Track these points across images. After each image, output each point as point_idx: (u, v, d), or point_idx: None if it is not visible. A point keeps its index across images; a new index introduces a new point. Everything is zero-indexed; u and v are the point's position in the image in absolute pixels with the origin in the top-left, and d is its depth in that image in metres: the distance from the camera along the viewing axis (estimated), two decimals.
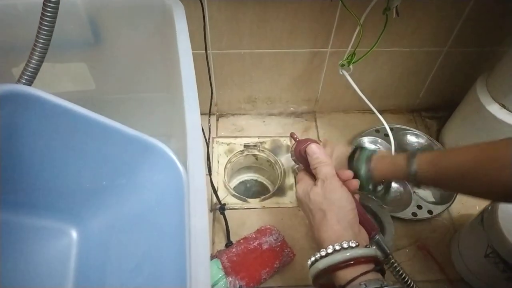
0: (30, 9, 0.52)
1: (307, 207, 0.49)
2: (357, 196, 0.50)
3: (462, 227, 0.68)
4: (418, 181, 0.49)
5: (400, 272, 0.48)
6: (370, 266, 0.42)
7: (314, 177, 0.52)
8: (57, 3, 0.42)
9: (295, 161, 0.56)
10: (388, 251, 0.48)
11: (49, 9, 0.42)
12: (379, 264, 0.43)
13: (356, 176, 0.53)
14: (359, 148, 0.56)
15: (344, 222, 0.45)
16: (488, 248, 0.58)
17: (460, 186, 0.47)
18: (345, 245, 0.42)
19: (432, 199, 0.77)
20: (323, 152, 0.52)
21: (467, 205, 0.76)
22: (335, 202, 0.46)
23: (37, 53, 0.44)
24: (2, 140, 0.42)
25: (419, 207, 0.75)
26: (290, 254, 0.65)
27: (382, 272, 0.43)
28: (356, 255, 0.41)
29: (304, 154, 0.53)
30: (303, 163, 0.54)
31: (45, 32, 0.43)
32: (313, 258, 0.44)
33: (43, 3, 0.42)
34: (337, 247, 0.42)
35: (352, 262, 0.41)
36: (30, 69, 0.44)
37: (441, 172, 0.48)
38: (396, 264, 0.48)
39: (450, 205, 0.75)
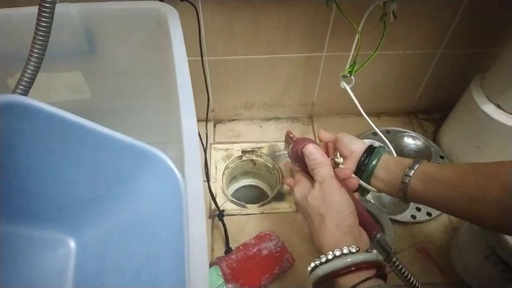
0: (24, 19, 0.52)
1: (305, 211, 0.48)
2: (356, 195, 0.49)
3: (461, 229, 0.68)
4: (411, 183, 0.50)
5: (403, 271, 0.47)
6: (372, 272, 0.41)
7: (311, 178, 0.50)
8: (52, 12, 0.42)
9: (292, 162, 0.54)
10: (390, 250, 0.47)
11: (44, 19, 0.42)
12: (381, 269, 0.42)
13: (359, 172, 0.54)
14: (374, 146, 0.56)
15: (343, 227, 0.44)
16: (487, 249, 0.58)
17: (449, 199, 0.48)
18: (345, 251, 0.41)
19: None
20: (320, 152, 0.50)
21: None
22: (334, 206, 0.45)
23: (32, 63, 0.44)
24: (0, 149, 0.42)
25: (418, 209, 0.75)
26: (290, 260, 0.65)
27: (384, 278, 0.42)
28: (357, 261, 0.40)
29: (301, 155, 0.51)
30: (300, 164, 0.52)
31: (40, 42, 0.43)
32: (313, 264, 0.43)
33: (38, 13, 0.42)
34: (337, 253, 0.41)
35: (353, 268, 0.40)
36: (25, 79, 0.44)
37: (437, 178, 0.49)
38: (398, 263, 0.47)
39: None
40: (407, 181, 0.50)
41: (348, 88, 0.70)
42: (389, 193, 0.54)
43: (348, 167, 0.55)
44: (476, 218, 0.46)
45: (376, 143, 0.81)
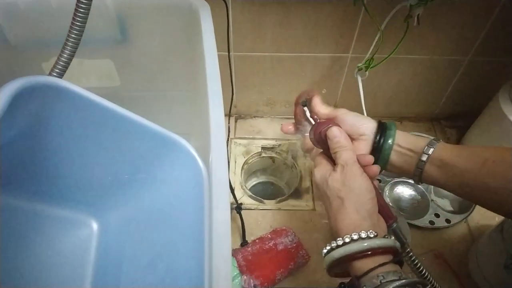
0: (62, 5, 0.54)
1: (325, 194, 0.47)
2: (376, 183, 0.48)
3: (481, 237, 0.68)
4: (426, 168, 0.48)
5: (416, 262, 0.46)
6: (388, 257, 0.40)
7: (333, 161, 0.49)
8: (90, 1, 0.44)
9: (313, 143, 0.52)
10: (405, 240, 0.46)
11: (82, 7, 0.44)
12: (398, 256, 0.41)
13: (376, 153, 0.51)
14: (384, 122, 0.53)
15: (362, 211, 0.43)
16: (508, 259, 0.57)
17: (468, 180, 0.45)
18: (363, 235, 0.40)
19: (451, 208, 0.76)
20: (344, 135, 0.48)
21: (486, 215, 0.75)
22: (355, 190, 0.44)
23: (68, 48, 0.46)
24: (32, 129, 0.44)
25: (437, 215, 0.74)
26: (305, 256, 0.65)
27: (400, 264, 0.41)
28: (374, 246, 0.40)
29: (324, 137, 0.49)
30: (323, 146, 0.50)
31: (77, 28, 0.45)
32: (328, 247, 0.42)
33: (77, 1, 0.43)
34: (355, 237, 0.40)
35: (369, 253, 0.39)
36: (61, 63, 0.46)
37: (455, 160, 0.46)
38: (412, 254, 0.46)
39: (468, 214, 0.74)
40: (421, 167, 0.48)
41: (359, 80, 0.71)
42: (402, 175, 0.52)
43: (360, 152, 0.52)
44: (496, 207, 0.45)
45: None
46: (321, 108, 0.54)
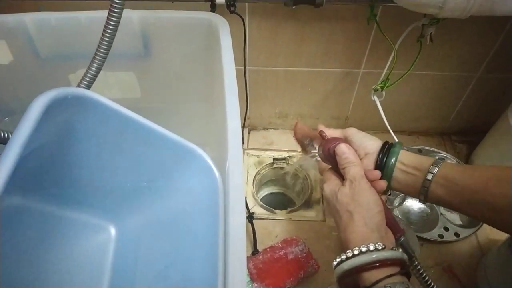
0: (90, 22, 0.58)
1: (334, 208, 0.49)
2: (384, 198, 0.49)
3: (490, 252, 0.68)
4: (431, 187, 0.49)
5: (424, 275, 0.48)
6: (396, 269, 0.42)
7: (342, 176, 0.51)
8: (119, 17, 0.47)
9: (322, 159, 0.55)
10: (413, 254, 0.48)
11: (112, 22, 0.47)
12: (405, 268, 0.43)
13: (381, 170, 0.52)
14: (390, 143, 0.54)
15: (371, 224, 0.45)
16: None
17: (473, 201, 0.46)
18: (371, 247, 0.42)
19: (460, 222, 0.77)
20: (352, 152, 0.50)
21: (495, 230, 0.74)
22: (363, 204, 0.46)
23: (97, 61, 0.49)
24: (59, 137, 0.46)
25: (446, 229, 0.75)
26: (314, 266, 0.66)
27: (408, 276, 0.43)
28: (382, 257, 0.41)
29: (332, 153, 0.52)
30: (331, 162, 0.53)
31: (106, 43, 0.48)
32: (338, 259, 0.44)
33: (107, 17, 0.47)
34: (363, 249, 0.42)
35: (378, 264, 0.41)
36: (89, 75, 0.49)
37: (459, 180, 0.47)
38: (420, 267, 0.48)
39: (478, 228, 0.74)
40: (427, 185, 0.49)
41: (378, 101, 0.72)
42: (407, 194, 0.53)
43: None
44: (499, 226, 0.46)
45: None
46: (328, 132, 0.56)
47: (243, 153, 0.90)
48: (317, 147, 0.56)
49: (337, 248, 0.73)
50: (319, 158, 0.56)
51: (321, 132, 0.55)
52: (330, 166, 0.54)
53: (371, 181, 0.49)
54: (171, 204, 0.58)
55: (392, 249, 0.43)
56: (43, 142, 0.43)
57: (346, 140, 0.54)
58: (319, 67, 0.80)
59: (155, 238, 0.59)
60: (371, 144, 0.54)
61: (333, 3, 0.64)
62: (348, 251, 0.44)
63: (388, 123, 0.74)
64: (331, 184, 0.51)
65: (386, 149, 0.53)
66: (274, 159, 0.89)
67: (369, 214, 0.45)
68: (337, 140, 0.52)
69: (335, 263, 0.45)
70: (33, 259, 0.51)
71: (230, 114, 0.45)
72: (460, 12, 0.53)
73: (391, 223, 0.48)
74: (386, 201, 0.51)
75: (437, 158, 0.51)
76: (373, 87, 0.72)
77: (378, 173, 0.50)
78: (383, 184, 0.50)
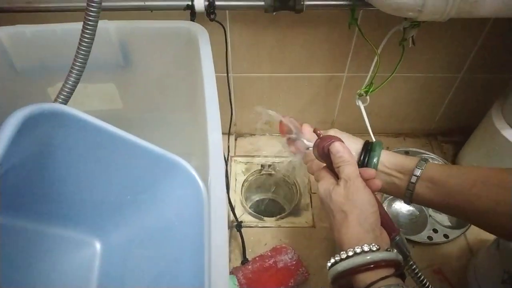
0: (66, 33, 0.57)
1: (328, 207, 0.48)
2: (378, 196, 0.48)
3: (479, 252, 0.68)
4: (416, 189, 0.49)
5: (419, 275, 0.47)
6: (391, 270, 0.41)
7: (336, 175, 0.49)
8: (94, 28, 0.46)
9: (316, 157, 0.53)
10: (408, 253, 0.47)
11: (87, 35, 0.46)
12: (400, 269, 0.42)
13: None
14: (370, 142, 0.54)
15: (365, 225, 0.43)
16: (505, 274, 0.58)
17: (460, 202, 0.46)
18: (365, 248, 0.41)
19: (449, 223, 0.77)
20: (347, 151, 0.49)
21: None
22: (358, 204, 0.44)
23: (74, 74, 0.48)
24: (37, 153, 0.45)
25: (435, 230, 0.75)
26: (304, 274, 0.66)
27: (403, 277, 0.42)
28: (377, 259, 0.40)
29: (327, 152, 0.50)
30: (326, 160, 0.51)
31: (82, 55, 0.47)
32: (332, 260, 0.43)
33: (82, 29, 0.46)
34: (358, 250, 0.41)
35: (372, 266, 0.40)
36: (66, 89, 0.48)
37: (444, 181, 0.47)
38: (415, 266, 0.47)
39: (466, 229, 0.75)
40: (411, 188, 0.49)
41: (362, 106, 0.72)
42: (390, 195, 0.53)
43: None
44: (487, 228, 0.46)
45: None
46: (313, 135, 0.55)
47: (230, 160, 0.89)
48: (304, 140, 0.55)
49: (327, 253, 0.72)
50: (310, 149, 0.54)
51: (315, 130, 0.54)
52: (322, 164, 0.53)
53: (366, 180, 0.48)
54: (157, 217, 0.57)
55: (387, 250, 0.42)
56: (21, 159, 0.42)
57: (340, 139, 0.53)
58: (303, 72, 0.79)
59: (142, 251, 0.58)
60: (352, 145, 0.53)
61: (314, 8, 0.64)
62: (342, 252, 0.42)
63: (374, 125, 0.74)
64: (325, 183, 0.49)
65: (367, 151, 0.53)
66: (262, 165, 0.88)
67: (364, 214, 0.44)
68: (331, 138, 0.51)
69: (329, 264, 0.44)
70: (16, 276, 0.50)
71: (211, 125, 0.45)
72: (439, 15, 0.53)
73: (386, 222, 0.47)
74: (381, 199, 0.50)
75: (420, 159, 0.50)
76: (357, 92, 0.72)
77: (373, 172, 0.49)
78: (378, 183, 0.48)
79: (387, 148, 0.90)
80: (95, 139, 0.47)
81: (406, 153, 0.90)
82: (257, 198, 0.91)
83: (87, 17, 0.45)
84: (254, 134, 0.96)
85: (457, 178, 0.47)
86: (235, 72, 0.79)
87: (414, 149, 0.90)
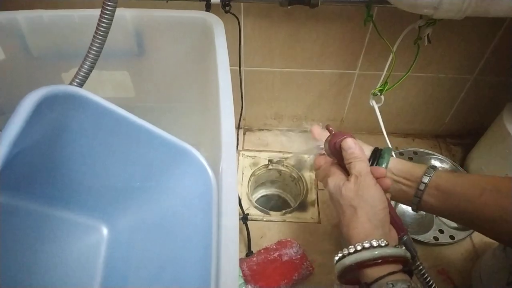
0: (84, 20, 0.57)
1: (338, 202, 0.48)
2: (388, 195, 0.48)
3: (485, 255, 0.68)
4: (423, 197, 0.49)
5: (425, 276, 0.47)
6: (398, 266, 0.41)
7: (347, 171, 0.50)
8: (112, 15, 0.46)
9: (327, 154, 0.54)
10: (415, 253, 0.47)
11: (105, 21, 0.46)
12: (408, 265, 0.42)
13: None
14: (380, 148, 0.55)
15: (374, 221, 0.44)
16: (510, 276, 0.57)
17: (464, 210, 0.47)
18: (374, 243, 0.41)
19: (455, 225, 0.77)
20: (358, 147, 0.49)
21: None
22: (368, 200, 0.45)
23: (89, 60, 0.48)
24: (49, 136, 0.46)
25: (441, 231, 0.75)
26: (309, 268, 0.66)
27: (410, 274, 0.42)
28: (385, 254, 0.41)
29: (338, 148, 0.51)
30: (337, 156, 0.52)
31: (98, 41, 0.47)
32: (340, 254, 0.43)
33: (100, 15, 0.46)
34: (366, 245, 0.41)
35: (380, 261, 0.40)
36: (82, 73, 0.48)
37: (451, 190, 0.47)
38: (421, 267, 0.47)
39: (473, 232, 0.74)
40: (419, 196, 0.50)
41: (376, 106, 0.72)
42: (398, 202, 0.54)
43: None
44: (491, 235, 0.46)
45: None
46: (322, 135, 0.56)
47: (238, 154, 0.89)
48: (316, 140, 0.56)
49: (332, 249, 0.72)
50: (322, 151, 0.55)
51: (327, 126, 0.55)
52: (334, 161, 0.54)
53: (377, 179, 0.48)
54: (165, 205, 0.58)
55: (395, 246, 0.43)
56: (33, 141, 0.43)
57: (352, 135, 0.54)
58: (315, 68, 0.79)
59: (148, 238, 0.58)
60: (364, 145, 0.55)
61: (329, 3, 0.64)
62: (350, 246, 0.43)
63: (384, 125, 0.74)
64: (336, 178, 0.50)
65: (375, 158, 0.53)
66: (269, 160, 0.88)
67: (374, 210, 0.45)
68: (343, 134, 0.52)
69: (336, 258, 0.44)
70: (23, 259, 0.51)
71: (224, 115, 0.45)
72: (455, 13, 0.53)
73: (395, 221, 0.47)
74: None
75: (428, 167, 0.51)
76: (372, 92, 0.72)
77: (383, 171, 0.50)
78: (388, 182, 0.49)
79: (396, 148, 0.91)
80: (108, 123, 0.47)
81: (415, 154, 0.89)
82: (264, 193, 0.91)
83: (106, 2, 0.45)
84: (262, 129, 0.96)
85: (465, 186, 0.47)
86: (247, 66, 0.79)
87: (422, 150, 0.90)
